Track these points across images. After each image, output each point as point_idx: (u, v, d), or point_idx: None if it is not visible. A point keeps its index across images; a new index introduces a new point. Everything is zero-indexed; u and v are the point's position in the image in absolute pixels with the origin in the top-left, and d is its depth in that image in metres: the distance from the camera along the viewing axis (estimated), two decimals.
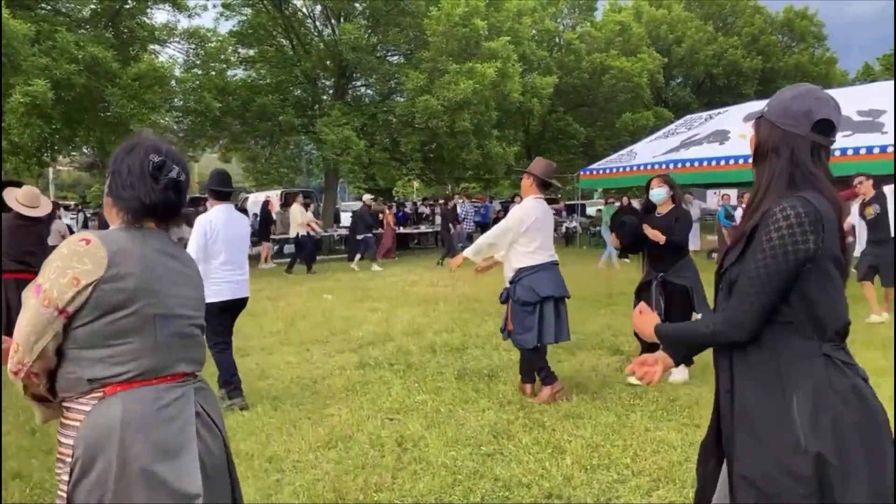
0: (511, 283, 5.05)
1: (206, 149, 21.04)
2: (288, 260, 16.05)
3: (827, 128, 1.76)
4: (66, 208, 24.41)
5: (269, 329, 8.06)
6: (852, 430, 1.65)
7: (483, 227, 19.40)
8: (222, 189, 5.14)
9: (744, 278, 1.75)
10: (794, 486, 1.68)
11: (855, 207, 8.36)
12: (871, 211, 7.79)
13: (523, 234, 4.97)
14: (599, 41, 25.76)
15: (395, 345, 7.03)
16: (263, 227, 16.89)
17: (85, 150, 22.25)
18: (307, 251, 15.42)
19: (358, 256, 15.63)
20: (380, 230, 18.19)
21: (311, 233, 15.62)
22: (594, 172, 19.69)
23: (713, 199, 31.09)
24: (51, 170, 36.48)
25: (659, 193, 5.58)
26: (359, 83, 22.69)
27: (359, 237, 15.88)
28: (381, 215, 18.51)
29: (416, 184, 38.56)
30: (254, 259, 17.36)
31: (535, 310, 4.88)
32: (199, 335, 1.95)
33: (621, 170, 18.63)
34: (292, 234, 15.74)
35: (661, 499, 3.33)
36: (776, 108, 1.83)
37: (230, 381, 5.05)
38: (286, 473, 3.74)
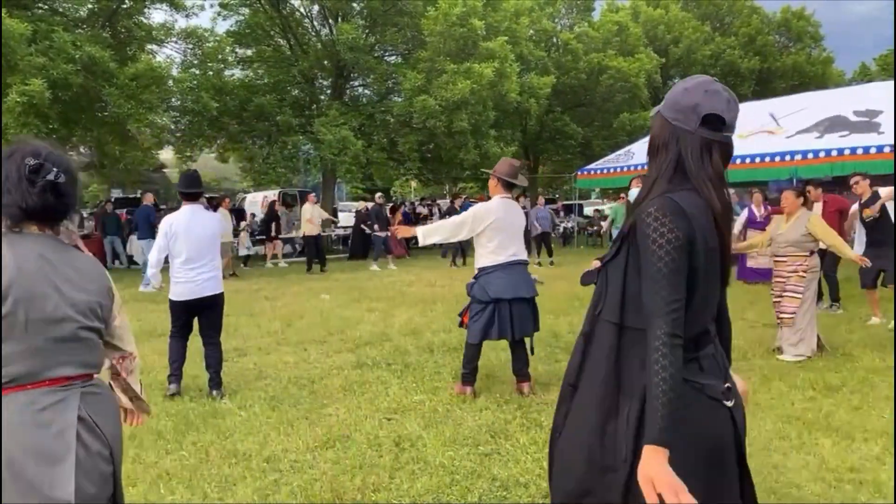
0: (474, 279, 5.16)
1: (204, 148, 20.98)
2: (296, 259, 16.14)
3: (717, 122, 1.66)
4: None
5: (267, 329, 8.05)
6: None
7: None
8: (188, 191, 5.32)
9: (648, 286, 1.62)
10: (604, 494, 1.67)
11: (854, 207, 8.29)
12: (870, 212, 7.60)
13: (482, 232, 5.05)
14: (597, 41, 25.77)
15: (393, 345, 7.03)
16: (267, 227, 16.89)
17: (82, 150, 22.24)
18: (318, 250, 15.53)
19: (374, 257, 15.92)
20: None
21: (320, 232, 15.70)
22: (592, 172, 19.72)
23: None
24: None
25: (634, 193, 5.64)
26: (356, 83, 22.67)
27: (379, 234, 16.09)
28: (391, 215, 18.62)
29: (413, 184, 38.56)
30: (260, 259, 17.40)
31: (484, 309, 5.00)
32: (94, 338, 1.92)
33: (619, 170, 18.66)
34: (309, 233, 15.59)
35: None
36: (669, 102, 1.74)
37: (170, 367, 5.31)
38: (284, 473, 3.74)
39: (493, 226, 5.03)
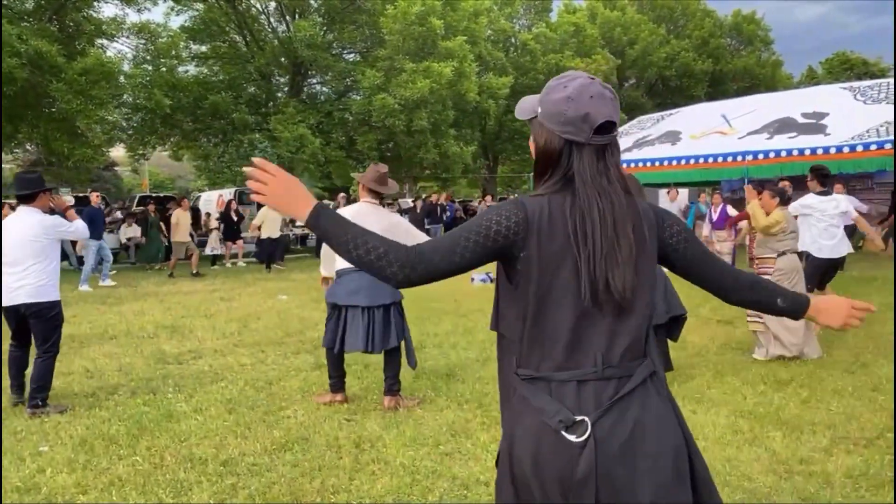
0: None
1: (157, 146, 20.51)
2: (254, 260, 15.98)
3: (608, 125, 1.58)
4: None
5: (223, 331, 7.91)
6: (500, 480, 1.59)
7: (447, 226, 19.44)
8: (19, 192, 5.14)
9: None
10: None
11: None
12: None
13: None
14: (554, 42, 26.05)
15: None
16: (228, 228, 16.61)
17: (28, 148, 21.53)
18: (271, 250, 15.36)
19: None
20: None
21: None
22: None
23: (664, 199, 31.84)
24: None
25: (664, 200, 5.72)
26: (314, 81, 22.48)
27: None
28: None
29: None
30: (219, 258, 17.07)
31: (331, 314, 4.87)
32: None
33: None
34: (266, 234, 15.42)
35: None
36: (552, 113, 1.59)
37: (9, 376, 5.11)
38: (241, 477, 3.67)
39: None
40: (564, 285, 1.52)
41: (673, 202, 14.39)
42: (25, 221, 4.98)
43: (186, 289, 12.17)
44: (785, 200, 6.09)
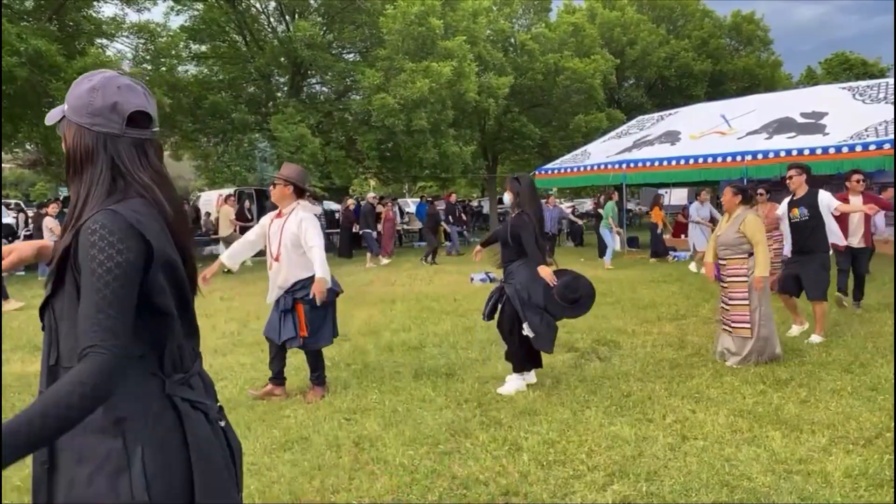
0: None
1: None
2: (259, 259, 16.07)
3: (143, 119, 1.52)
4: (7, 206, 23.55)
5: (222, 330, 7.92)
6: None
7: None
8: None
9: (90, 312, 1.34)
10: None
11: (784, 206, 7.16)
12: (798, 213, 6.74)
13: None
14: (553, 42, 26.00)
15: (352, 345, 6.98)
16: (244, 227, 16.88)
17: (28, 147, 21.50)
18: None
19: (369, 255, 16.24)
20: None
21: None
22: (550, 172, 19.93)
23: (665, 199, 31.82)
24: None
25: (506, 199, 5.58)
26: (314, 80, 22.47)
27: (363, 232, 16.67)
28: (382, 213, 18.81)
29: (372, 182, 38.36)
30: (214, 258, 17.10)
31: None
32: None
33: (576, 169, 18.91)
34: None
35: (615, 493, 3.38)
36: (77, 106, 1.50)
37: None
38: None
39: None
40: (182, 283, 1.56)
41: (703, 204, 14.34)
42: None
43: None
44: (747, 199, 5.93)
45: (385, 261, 16.29)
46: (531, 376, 5.36)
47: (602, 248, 16.24)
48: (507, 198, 5.45)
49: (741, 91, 28.87)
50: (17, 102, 14.15)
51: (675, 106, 25.93)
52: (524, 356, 5.23)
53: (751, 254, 5.78)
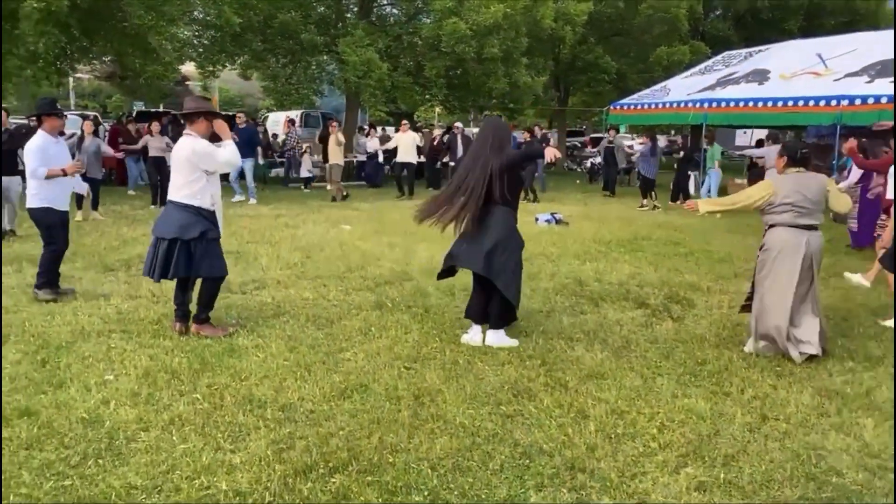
0: None
1: (226, 65, 20.42)
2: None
3: None
4: (86, 118, 24.06)
5: (286, 260, 7.90)
6: None
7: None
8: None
9: None
10: None
11: None
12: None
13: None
14: None
15: (413, 285, 6.86)
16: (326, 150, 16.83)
17: (105, 60, 21.79)
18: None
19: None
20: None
21: None
22: (625, 108, 19.04)
23: (743, 139, 30.03)
24: (70, 79, 35.93)
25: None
26: (385, 1, 21.79)
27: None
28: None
29: (438, 109, 37.66)
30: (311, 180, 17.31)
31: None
32: None
33: (653, 106, 17.99)
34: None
35: (689, 477, 3.17)
36: None
37: None
38: (299, 425, 3.62)
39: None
40: None
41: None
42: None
43: (252, 212, 12.28)
44: (800, 160, 4.86)
45: None
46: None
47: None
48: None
49: (840, 27, 26.58)
50: (92, 17, 14.18)
51: (765, 41, 24.07)
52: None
53: (770, 225, 4.92)
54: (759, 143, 19.19)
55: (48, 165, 5.78)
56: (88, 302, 5.94)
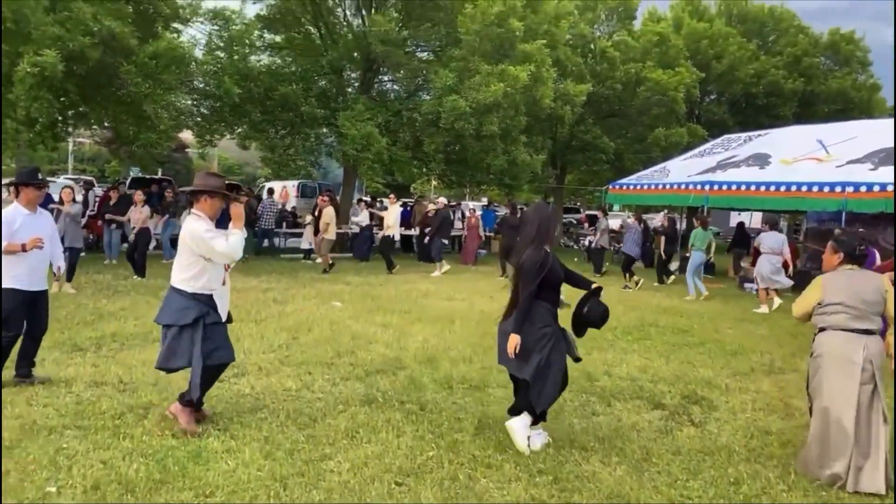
0: None
1: (225, 134, 20.33)
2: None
3: None
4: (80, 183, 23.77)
5: (271, 342, 7.34)
6: None
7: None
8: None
9: None
10: None
11: None
12: None
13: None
14: (636, 51, 24.85)
15: (407, 375, 6.29)
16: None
17: (105, 125, 21.67)
18: None
19: (440, 263, 15.53)
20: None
21: None
22: (624, 187, 18.89)
23: (736, 219, 29.87)
24: (70, 144, 36.04)
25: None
26: (385, 78, 21.95)
27: (443, 240, 16.67)
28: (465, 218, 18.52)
29: (434, 183, 37.76)
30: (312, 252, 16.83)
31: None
32: None
33: (653, 186, 17.84)
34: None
35: None
36: None
37: None
38: None
39: None
40: None
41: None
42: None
43: (240, 286, 11.75)
44: (856, 257, 4.37)
45: (445, 267, 15.44)
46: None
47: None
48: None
49: (834, 114, 27.01)
50: (89, 83, 14.02)
51: (760, 125, 24.35)
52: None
53: (820, 329, 4.41)
54: (740, 226, 19.16)
55: (11, 241, 5.27)
56: (47, 388, 5.35)
